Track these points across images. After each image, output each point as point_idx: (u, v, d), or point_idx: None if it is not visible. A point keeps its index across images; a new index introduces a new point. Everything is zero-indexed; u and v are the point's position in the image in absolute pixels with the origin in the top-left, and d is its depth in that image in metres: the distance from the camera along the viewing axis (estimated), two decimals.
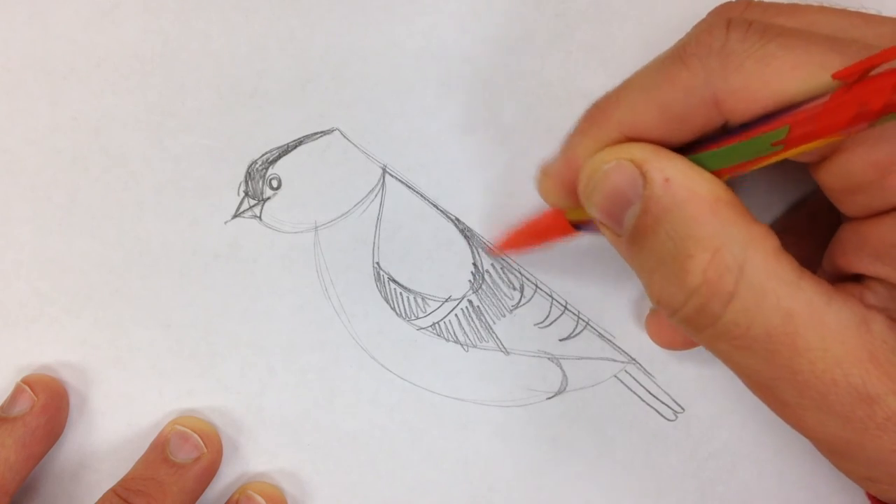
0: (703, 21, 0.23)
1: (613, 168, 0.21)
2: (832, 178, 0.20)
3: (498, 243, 0.30)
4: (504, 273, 0.30)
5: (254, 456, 0.30)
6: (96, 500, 0.28)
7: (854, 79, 0.18)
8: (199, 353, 0.30)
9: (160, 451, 0.29)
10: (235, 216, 0.30)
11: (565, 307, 0.30)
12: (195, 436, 0.29)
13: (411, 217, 0.30)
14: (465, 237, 0.30)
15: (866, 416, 0.19)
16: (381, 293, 0.30)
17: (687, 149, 0.21)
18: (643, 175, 0.21)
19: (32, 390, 0.30)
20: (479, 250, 0.30)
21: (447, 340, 0.30)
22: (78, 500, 0.31)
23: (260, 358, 0.30)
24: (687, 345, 0.27)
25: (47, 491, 0.31)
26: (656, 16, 0.29)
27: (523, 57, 0.30)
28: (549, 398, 0.30)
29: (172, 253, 0.30)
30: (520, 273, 0.30)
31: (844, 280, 0.22)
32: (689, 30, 0.23)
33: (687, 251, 0.20)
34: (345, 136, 0.30)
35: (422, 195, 0.30)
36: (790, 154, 0.20)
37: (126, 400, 0.30)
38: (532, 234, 0.28)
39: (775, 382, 0.20)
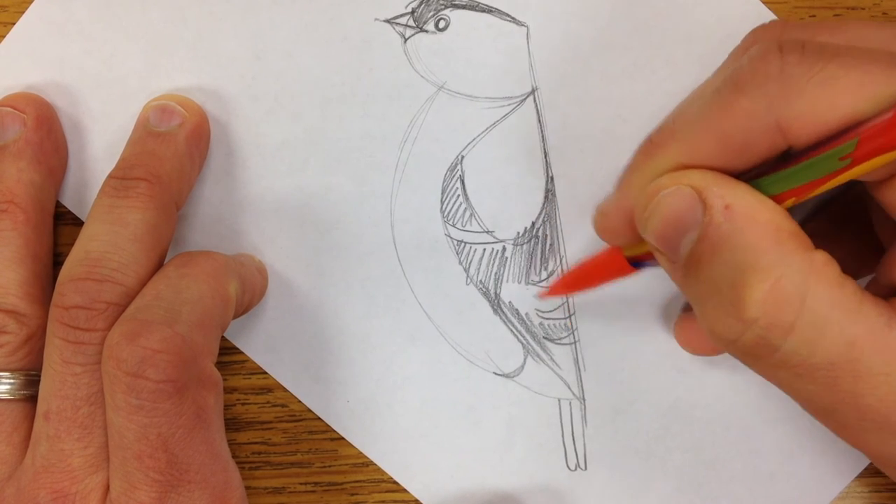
0: (744, 45, 0.23)
1: (672, 193, 0.21)
2: (894, 196, 0.20)
3: (554, 284, 0.29)
4: (546, 250, 0.30)
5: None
6: None
7: None
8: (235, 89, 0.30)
9: (143, 129, 0.28)
10: (388, 21, 0.29)
11: (569, 316, 0.30)
12: (172, 103, 0.28)
13: (521, 146, 0.30)
14: (546, 197, 0.30)
15: None
16: (443, 180, 0.30)
17: (746, 175, 0.21)
18: (703, 201, 0.21)
19: (16, 109, 0.28)
20: (546, 217, 0.30)
21: (459, 263, 0.30)
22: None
23: (290, 105, 0.30)
24: (715, 351, 0.27)
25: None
26: None
27: None
28: (497, 374, 0.30)
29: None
30: (560, 260, 0.30)
31: None
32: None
33: (745, 281, 0.20)
34: (527, 38, 0.29)
35: (543, 137, 0.30)
36: (858, 171, 0.19)
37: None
38: (589, 275, 0.28)
39: (836, 406, 0.20)
